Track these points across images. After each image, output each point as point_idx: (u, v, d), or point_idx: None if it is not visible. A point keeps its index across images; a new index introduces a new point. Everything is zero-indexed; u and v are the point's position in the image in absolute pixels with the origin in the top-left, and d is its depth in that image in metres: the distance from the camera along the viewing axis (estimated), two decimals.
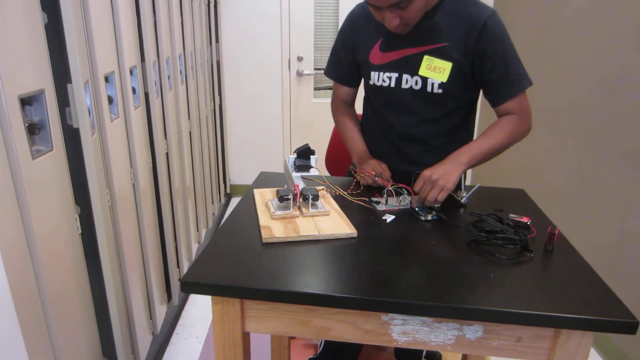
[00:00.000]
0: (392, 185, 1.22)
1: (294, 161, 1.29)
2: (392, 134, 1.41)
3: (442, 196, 1.17)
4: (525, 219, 1.11)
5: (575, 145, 2.23)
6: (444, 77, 1.26)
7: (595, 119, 2.07)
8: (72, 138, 1.21)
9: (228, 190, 3.66)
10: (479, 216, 1.14)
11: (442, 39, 1.25)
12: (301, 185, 1.18)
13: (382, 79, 1.35)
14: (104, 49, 1.40)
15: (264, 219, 1.10)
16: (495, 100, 1.30)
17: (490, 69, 1.24)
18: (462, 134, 1.40)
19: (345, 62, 1.45)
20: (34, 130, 1.07)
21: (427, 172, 1.19)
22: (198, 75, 2.61)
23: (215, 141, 3.17)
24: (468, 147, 1.25)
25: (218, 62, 3.25)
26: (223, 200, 3.48)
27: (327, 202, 1.19)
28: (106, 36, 1.42)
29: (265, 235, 1.02)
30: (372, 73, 1.37)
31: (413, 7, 1.15)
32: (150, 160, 1.84)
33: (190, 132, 2.44)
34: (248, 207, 1.20)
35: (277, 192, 1.14)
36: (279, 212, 1.11)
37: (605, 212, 1.99)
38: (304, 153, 1.30)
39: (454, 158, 1.23)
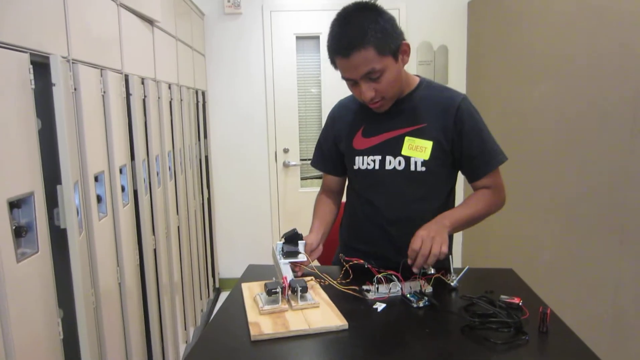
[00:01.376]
0: (381, 273, 1.21)
1: (282, 247, 1.28)
2: (378, 216, 1.42)
3: (444, 249, 1.18)
4: (516, 300, 1.10)
5: (561, 223, 2.26)
6: (425, 155, 1.33)
7: (579, 198, 2.13)
8: (58, 238, 1.21)
9: (217, 285, 3.57)
10: (470, 299, 1.13)
11: (421, 121, 1.34)
12: (290, 276, 1.17)
13: (366, 162, 1.40)
14: (95, 149, 1.44)
15: (252, 315, 1.07)
16: (472, 176, 1.39)
17: (468, 146, 1.33)
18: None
19: (329, 154, 1.53)
20: (20, 232, 1.07)
21: (422, 232, 1.21)
22: (187, 170, 2.67)
23: (203, 235, 3.16)
24: (451, 212, 1.32)
25: (206, 157, 3.34)
26: (212, 295, 3.38)
27: (316, 293, 1.17)
28: (97, 138, 1.48)
29: (253, 332, 0.99)
30: (357, 158, 1.42)
31: (385, 78, 1.24)
32: (138, 257, 1.82)
33: (178, 227, 2.44)
34: (236, 303, 1.17)
35: (265, 285, 1.13)
36: (267, 307, 1.08)
37: (596, 288, 1.98)
38: (292, 238, 1.29)
39: (438, 220, 1.26)
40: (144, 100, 1.92)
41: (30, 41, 1.10)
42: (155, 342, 1.94)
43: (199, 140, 3.12)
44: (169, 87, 2.33)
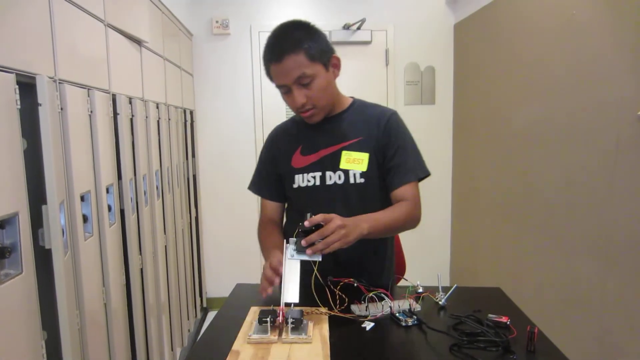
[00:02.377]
0: (371, 292, 1.21)
1: (296, 243, 1.15)
2: None
3: (337, 246, 1.11)
4: (504, 319, 1.10)
5: (548, 242, 2.28)
6: (363, 167, 1.37)
7: (565, 217, 2.16)
8: (43, 259, 1.19)
9: (204, 304, 3.53)
10: (459, 318, 1.13)
11: (356, 135, 1.40)
12: (297, 275, 1.11)
13: (306, 179, 1.42)
14: (81, 169, 1.43)
15: (239, 341, 1.04)
16: (390, 185, 1.38)
17: (390, 156, 1.37)
18: None
19: (268, 176, 1.51)
20: (4, 253, 1.05)
21: (339, 221, 1.14)
22: (174, 189, 2.65)
23: (191, 254, 3.13)
24: (372, 217, 1.25)
25: (194, 176, 3.33)
26: (199, 315, 3.34)
27: (317, 327, 1.10)
28: (84, 157, 1.47)
29: None
30: (297, 176, 1.42)
31: (316, 85, 1.29)
32: (124, 277, 1.79)
33: (165, 246, 2.41)
34: (223, 326, 1.15)
35: (261, 312, 1.09)
36: (255, 336, 1.05)
37: (583, 307, 1.99)
38: (309, 232, 1.13)
39: (360, 223, 1.20)
40: (131, 120, 1.91)
41: (16, 61, 1.10)
42: None
43: (187, 159, 3.11)
44: (157, 107, 2.33)
